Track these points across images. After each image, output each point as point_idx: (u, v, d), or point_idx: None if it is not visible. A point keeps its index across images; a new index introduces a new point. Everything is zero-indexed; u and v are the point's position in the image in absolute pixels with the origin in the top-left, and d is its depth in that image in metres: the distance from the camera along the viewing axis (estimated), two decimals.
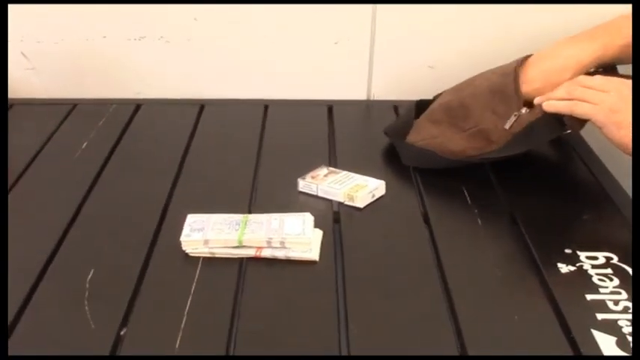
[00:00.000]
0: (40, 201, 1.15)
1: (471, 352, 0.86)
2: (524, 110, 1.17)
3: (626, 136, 1.05)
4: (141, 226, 1.08)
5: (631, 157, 1.06)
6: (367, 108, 1.53)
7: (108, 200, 1.16)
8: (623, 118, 1.06)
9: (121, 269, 0.98)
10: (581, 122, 1.13)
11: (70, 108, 1.46)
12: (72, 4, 1.42)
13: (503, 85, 1.20)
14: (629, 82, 1.09)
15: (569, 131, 1.15)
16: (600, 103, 1.08)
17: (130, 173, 1.24)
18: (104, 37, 1.46)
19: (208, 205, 1.11)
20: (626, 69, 1.21)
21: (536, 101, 1.15)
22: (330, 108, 1.48)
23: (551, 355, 0.86)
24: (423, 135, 1.25)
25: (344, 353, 0.85)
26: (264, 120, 1.43)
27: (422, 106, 1.32)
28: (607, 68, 1.21)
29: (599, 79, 1.12)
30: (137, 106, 1.47)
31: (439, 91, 1.46)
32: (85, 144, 1.32)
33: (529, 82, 1.20)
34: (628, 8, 1.22)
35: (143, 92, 1.50)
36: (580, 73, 1.18)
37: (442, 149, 1.22)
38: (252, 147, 1.32)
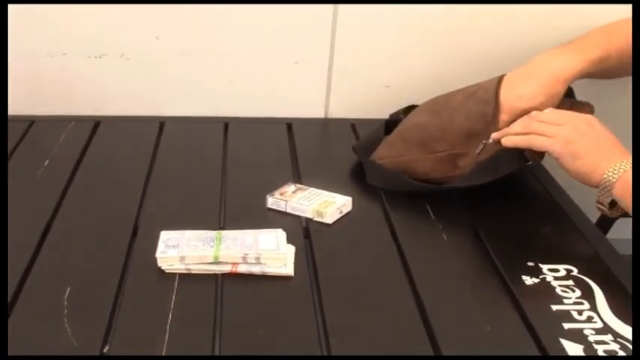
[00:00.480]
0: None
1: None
2: (491, 140, 1.21)
3: (582, 165, 1.11)
4: (113, 243, 1.08)
5: (587, 185, 1.12)
6: (325, 126, 1.56)
7: (77, 218, 1.15)
8: (578, 149, 1.12)
9: (98, 287, 0.99)
10: (541, 154, 1.18)
11: (28, 125, 1.44)
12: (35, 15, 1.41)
13: (483, 113, 1.23)
14: (582, 115, 1.15)
15: (530, 162, 1.20)
16: (555, 136, 1.13)
17: (97, 191, 1.23)
18: (64, 54, 1.45)
19: (178, 222, 1.11)
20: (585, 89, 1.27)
21: (493, 136, 1.20)
22: (289, 126, 1.50)
23: None
24: (392, 152, 1.28)
25: None
26: (226, 138, 1.44)
27: (391, 123, 1.36)
28: (566, 93, 1.26)
29: (551, 114, 1.17)
30: (96, 123, 1.47)
31: (395, 110, 1.50)
32: (47, 161, 1.31)
33: (532, 98, 1.22)
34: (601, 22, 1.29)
35: (102, 109, 1.50)
36: (569, 83, 1.23)
37: (407, 169, 1.26)
38: (217, 164, 1.33)
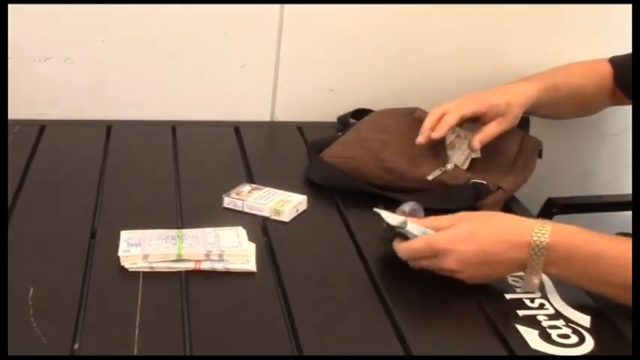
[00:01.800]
0: None
1: (414, 350, 0.92)
2: (449, 166, 1.28)
3: (497, 274, 1.05)
4: (72, 244, 1.08)
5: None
6: (271, 129, 1.58)
7: (31, 221, 1.14)
8: (466, 276, 1.03)
9: (62, 286, 0.99)
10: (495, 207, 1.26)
11: None
12: None
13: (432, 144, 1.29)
14: (444, 246, 1.02)
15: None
16: (441, 271, 1.04)
17: (49, 195, 1.23)
18: (9, 57, 1.44)
19: (136, 223, 1.12)
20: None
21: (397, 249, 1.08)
22: (236, 128, 1.52)
23: (483, 353, 0.94)
24: (346, 154, 1.32)
25: (295, 351, 0.90)
26: (175, 141, 1.45)
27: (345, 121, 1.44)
28: (521, 124, 1.35)
29: (424, 250, 1.04)
30: (42, 127, 1.46)
31: (340, 114, 1.54)
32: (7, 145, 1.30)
33: (487, 100, 1.30)
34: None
35: (47, 113, 1.49)
36: (525, 107, 1.32)
37: (354, 171, 1.30)
38: (169, 167, 1.34)
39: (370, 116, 1.43)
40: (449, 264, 1.01)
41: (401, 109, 1.41)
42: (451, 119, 1.27)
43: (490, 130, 1.30)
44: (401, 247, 1.05)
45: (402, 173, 1.29)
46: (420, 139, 1.26)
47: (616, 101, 1.46)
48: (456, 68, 1.61)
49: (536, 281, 1.02)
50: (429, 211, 1.14)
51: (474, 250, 1.01)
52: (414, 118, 1.37)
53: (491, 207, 1.26)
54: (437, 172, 1.27)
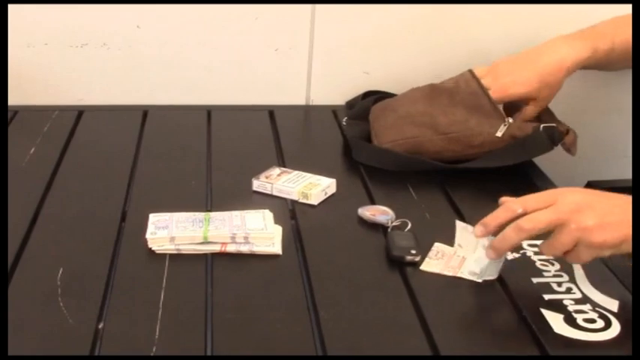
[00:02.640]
0: None
1: (436, 334, 0.93)
2: (511, 120, 1.28)
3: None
4: (102, 226, 1.11)
5: None
6: (307, 112, 1.60)
7: (64, 204, 1.18)
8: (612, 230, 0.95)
9: (90, 267, 1.02)
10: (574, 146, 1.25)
11: (12, 115, 1.47)
12: (14, 6, 1.44)
13: (478, 105, 1.29)
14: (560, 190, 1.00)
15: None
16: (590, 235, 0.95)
17: (83, 178, 1.26)
18: (46, 44, 1.48)
19: (166, 206, 1.14)
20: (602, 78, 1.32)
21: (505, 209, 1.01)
22: (271, 113, 1.54)
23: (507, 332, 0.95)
24: (402, 135, 1.33)
25: (317, 339, 0.91)
26: (209, 125, 1.48)
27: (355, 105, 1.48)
28: (545, 113, 1.33)
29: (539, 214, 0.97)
30: (79, 112, 1.50)
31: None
32: (32, 150, 1.34)
33: (524, 84, 1.28)
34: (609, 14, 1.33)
35: (85, 99, 1.53)
36: (572, 72, 1.27)
37: (419, 149, 1.31)
38: (201, 151, 1.37)
39: (392, 99, 1.43)
40: (588, 219, 0.93)
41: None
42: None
43: (529, 112, 1.30)
44: (523, 201, 0.97)
45: (468, 140, 1.29)
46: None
47: None
48: (496, 48, 1.59)
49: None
50: (508, 168, 1.21)
51: (601, 197, 0.96)
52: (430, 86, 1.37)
53: (573, 147, 1.26)
54: (503, 128, 1.27)
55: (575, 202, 0.95)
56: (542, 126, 1.26)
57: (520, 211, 0.97)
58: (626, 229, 0.94)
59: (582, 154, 1.33)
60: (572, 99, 1.44)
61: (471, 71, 1.33)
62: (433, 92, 1.35)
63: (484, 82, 1.30)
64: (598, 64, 1.33)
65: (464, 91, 1.31)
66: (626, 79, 1.39)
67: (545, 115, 1.34)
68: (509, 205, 0.99)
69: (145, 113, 1.51)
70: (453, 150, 1.31)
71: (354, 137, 1.37)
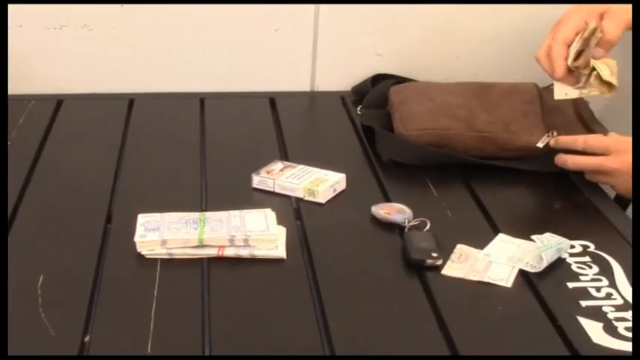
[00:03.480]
0: None
1: (458, 344, 0.93)
2: (555, 133, 1.31)
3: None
4: (86, 229, 1.12)
5: None
6: (312, 99, 1.60)
7: (43, 204, 1.19)
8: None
9: (73, 274, 1.02)
10: None
11: None
12: None
13: (528, 112, 1.35)
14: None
15: None
16: (618, 187, 1.27)
17: (63, 175, 1.27)
18: (20, 25, 1.48)
19: (157, 204, 1.15)
20: None
21: (568, 143, 1.29)
22: (272, 100, 1.54)
23: (540, 343, 0.95)
24: (436, 125, 1.33)
25: (327, 352, 0.91)
26: (202, 114, 1.48)
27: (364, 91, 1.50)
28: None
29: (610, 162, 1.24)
30: (58, 102, 1.50)
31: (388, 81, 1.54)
32: (7, 144, 1.34)
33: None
34: None
35: (64, 87, 1.53)
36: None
37: (447, 142, 1.32)
38: (194, 142, 1.37)
39: (428, 84, 1.44)
40: (620, 164, 1.22)
41: None
42: (558, 52, 1.28)
43: (609, 27, 1.29)
44: (589, 139, 1.27)
45: (502, 143, 1.33)
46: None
47: None
48: (512, 28, 1.60)
49: None
50: (537, 174, 1.30)
51: None
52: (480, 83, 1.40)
53: None
54: (545, 139, 1.31)
55: (626, 163, 1.21)
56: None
57: (580, 148, 1.27)
58: None
59: None
60: None
61: (536, 85, 1.39)
62: (482, 88, 1.39)
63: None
64: None
65: (520, 94, 1.37)
66: None
67: (590, 122, 1.38)
68: (574, 139, 1.28)
69: (131, 102, 1.51)
70: (483, 149, 1.33)
71: (380, 129, 1.37)
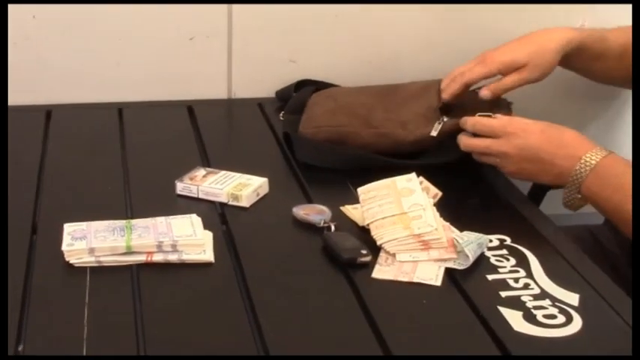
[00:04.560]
0: None
1: (387, 335, 0.96)
2: (446, 118, 1.34)
3: (545, 178, 1.28)
4: (11, 240, 1.11)
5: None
6: (229, 106, 1.62)
7: None
8: (528, 175, 1.29)
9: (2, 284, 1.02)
10: None
11: None
12: None
13: (426, 105, 1.38)
14: (515, 134, 1.27)
15: None
16: (503, 168, 1.30)
17: None
18: None
19: (81, 214, 1.15)
20: None
21: (461, 122, 1.32)
22: (190, 108, 1.56)
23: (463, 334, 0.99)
24: (332, 122, 1.37)
25: (261, 352, 0.93)
26: (121, 124, 1.49)
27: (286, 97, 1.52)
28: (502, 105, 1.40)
29: (488, 143, 1.28)
30: None
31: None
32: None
33: (512, 51, 1.38)
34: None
35: None
36: (565, 49, 1.39)
37: (345, 140, 1.36)
38: (115, 152, 1.38)
39: (341, 88, 1.49)
40: (508, 147, 1.25)
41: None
42: (453, 88, 1.36)
43: (506, 81, 1.37)
44: (477, 122, 1.29)
45: (397, 138, 1.36)
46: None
47: None
48: (430, 33, 1.65)
49: (579, 198, 1.23)
50: (450, 172, 1.30)
51: (537, 143, 1.25)
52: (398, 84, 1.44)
53: None
54: (438, 127, 1.34)
55: (513, 146, 1.25)
56: (477, 114, 1.32)
57: (469, 130, 1.30)
58: (545, 180, 1.29)
59: None
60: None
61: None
62: (390, 89, 1.43)
63: (471, 64, 1.38)
64: (592, 53, 1.44)
65: (424, 99, 1.39)
66: None
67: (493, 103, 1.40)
68: (464, 119, 1.31)
69: (48, 114, 1.51)
70: (380, 145, 1.36)
71: (297, 135, 1.40)
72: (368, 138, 1.36)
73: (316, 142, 1.37)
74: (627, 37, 1.41)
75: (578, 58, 1.44)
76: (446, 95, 1.37)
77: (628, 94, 1.67)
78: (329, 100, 1.43)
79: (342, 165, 1.34)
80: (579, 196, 1.23)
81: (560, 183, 1.25)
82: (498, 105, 1.38)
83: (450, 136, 1.33)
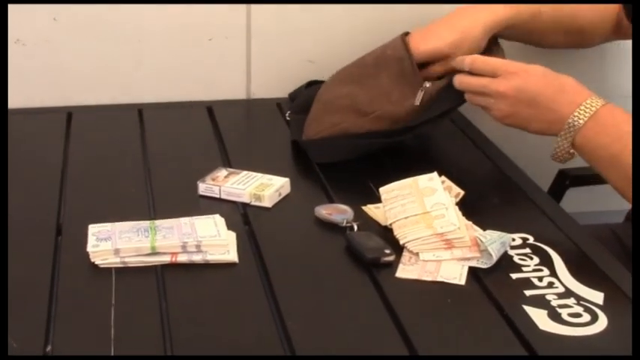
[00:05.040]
0: None
1: (413, 337, 0.96)
2: (428, 84, 1.32)
3: (535, 126, 1.24)
4: (36, 241, 1.12)
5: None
6: (248, 107, 1.62)
7: None
8: (519, 121, 1.25)
9: (28, 285, 1.02)
10: None
11: None
12: None
13: (402, 72, 1.34)
14: (515, 73, 1.23)
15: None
16: (493, 110, 1.25)
17: (10, 188, 1.26)
18: None
19: (105, 215, 1.15)
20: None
21: (456, 62, 1.29)
22: (209, 109, 1.56)
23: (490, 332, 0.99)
24: (323, 125, 1.37)
25: (287, 352, 0.94)
26: (142, 125, 1.49)
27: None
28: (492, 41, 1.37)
29: (485, 82, 1.25)
30: None
31: None
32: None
33: (438, 38, 1.35)
34: None
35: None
36: (492, 31, 1.35)
37: (349, 134, 1.35)
38: (136, 154, 1.38)
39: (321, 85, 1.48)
40: (506, 87, 1.21)
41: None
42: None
43: (433, 71, 1.36)
44: (476, 59, 1.25)
45: (391, 116, 1.34)
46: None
47: (620, 35, 1.51)
48: None
49: (570, 150, 1.20)
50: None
51: (536, 86, 1.21)
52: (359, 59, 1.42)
53: None
54: (420, 95, 1.33)
55: (512, 87, 1.21)
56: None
57: (467, 68, 1.26)
58: (537, 127, 1.23)
59: None
60: None
61: (402, 35, 1.38)
62: (358, 67, 1.40)
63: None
64: (524, 29, 1.41)
65: (390, 58, 1.36)
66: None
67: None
68: (461, 58, 1.27)
69: (69, 115, 1.51)
70: (380, 128, 1.35)
71: (303, 141, 1.40)
72: (367, 125, 1.35)
73: (323, 141, 1.37)
74: (562, 9, 1.41)
75: (509, 35, 1.42)
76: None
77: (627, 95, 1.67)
78: (316, 103, 1.43)
79: (353, 154, 1.35)
80: (571, 148, 1.20)
81: (552, 131, 1.21)
82: (490, 50, 1.37)
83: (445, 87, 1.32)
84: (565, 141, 1.20)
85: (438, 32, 1.36)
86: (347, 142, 1.35)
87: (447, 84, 1.31)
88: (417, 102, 1.32)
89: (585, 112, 1.18)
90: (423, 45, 1.35)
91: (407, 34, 1.38)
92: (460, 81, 1.27)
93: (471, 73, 1.26)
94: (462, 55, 1.30)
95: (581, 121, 1.18)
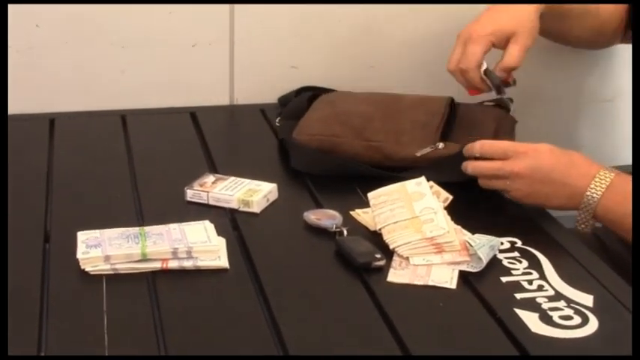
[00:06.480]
0: None
1: (408, 342, 0.96)
2: (441, 145, 1.32)
3: (555, 202, 1.24)
4: (24, 250, 1.10)
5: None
6: (232, 112, 1.62)
7: None
8: (538, 197, 1.24)
9: (18, 292, 1.01)
10: None
11: None
12: None
13: (427, 121, 1.36)
14: (525, 157, 1.23)
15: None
16: (512, 192, 1.25)
17: None
18: None
19: (92, 222, 1.14)
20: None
21: (465, 150, 1.28)
22: (193, 115, 1.55)
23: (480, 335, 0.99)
24: (326, 131, 1.37)
25: (280, 354, 0.93)
26: (126, 132, 1.48)
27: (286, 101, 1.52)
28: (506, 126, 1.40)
29: (499, 165, 1.24)
30: None
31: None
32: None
33: (496, 22, 1.39)
34: None
35: None
36: (541, 9, 1.39)
37: (335, 149, 1.35)
38: (121, 159, 1.37)
39: (345, 93, 1.48)
40: (520, 167, 1.21)
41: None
42: (475, 77, 1.38)
43: (512, 56, 1.38)
44: (485, 144, 1.25)
45: (388, 153, 1.34)
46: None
47: (624, 39, 1.55)
48: (430, 39, 1.65)
49: (591, 221, 1.21)
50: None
51: (549, 163, 1.22)
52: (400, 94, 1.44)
53: None
54: (426, 150, 1.33)
55: (525, 167, 1.21)
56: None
57: (477, 154, 1.25)
58: (556, 203, 1.24)
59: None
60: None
61: (450, 98, 1.42)
62: (393, 98, 1.42)
63: (459, 48, 1.39)
64: (556, 17, 1.45)
65: (425, 106, 1.39)
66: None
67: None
68: (470, 145, 1.26)
69: (51, 122, 1.50)
70: (371, 158, 1.35)
71: (290, 143, 1.39)
72: (359, 149, 1.35)
73: (308, 150, 1.36)
74: (589, 5, 1.46)
75: (546, 22, 1.43)
76: (473, 90, 1.39)
77: (626, 96, 1.69)
78: (328, 106, 1.43)
79: (332, 172, 1.33)
80: (592, 219, 1.21)
81: (572, 205, 1.22)
82: (502, 126, 1.38)
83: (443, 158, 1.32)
84: (586, 214, 1.21)
85: (491, 16, 1.40)
86: (330, 158, 1.35)
87: (457, 153, 1.30)
88: (419, 154, 1.32)
89: (601, 184, 1.19)
90: (484, 29, 1.38)
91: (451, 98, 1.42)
92: (473, 167, 1.26)
93: (481, 157, 1.26)
94: (525, 30, 1.36)
95: (599, 193, 1.19)
